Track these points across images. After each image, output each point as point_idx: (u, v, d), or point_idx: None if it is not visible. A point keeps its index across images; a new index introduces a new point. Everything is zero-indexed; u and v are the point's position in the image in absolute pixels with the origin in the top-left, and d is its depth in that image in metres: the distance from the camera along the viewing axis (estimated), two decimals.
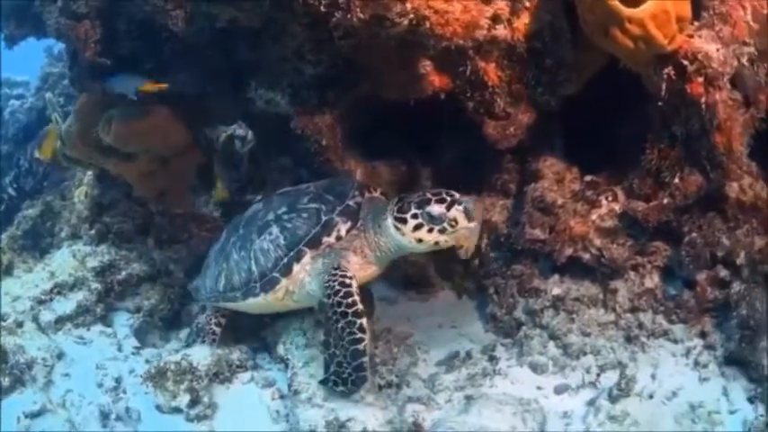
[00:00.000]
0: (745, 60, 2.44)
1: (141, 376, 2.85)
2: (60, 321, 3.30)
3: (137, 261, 3.63)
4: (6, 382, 2.87)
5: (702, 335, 2.78)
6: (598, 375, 2.73)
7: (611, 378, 2.65)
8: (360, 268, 2.69)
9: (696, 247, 2.73)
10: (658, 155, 2.71)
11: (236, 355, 2.99)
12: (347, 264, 2.65)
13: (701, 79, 2.39)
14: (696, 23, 2.46)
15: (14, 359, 2.92)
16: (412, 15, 2.32)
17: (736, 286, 2.68)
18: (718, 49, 2.38)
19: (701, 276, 2.77)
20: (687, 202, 2.73)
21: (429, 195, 2.53)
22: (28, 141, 5.41)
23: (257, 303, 2.84)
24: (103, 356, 3.17)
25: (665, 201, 2.74)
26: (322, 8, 2.33)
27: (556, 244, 2.90)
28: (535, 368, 2.83)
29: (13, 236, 4.22)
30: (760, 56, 2.48)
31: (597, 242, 2.88)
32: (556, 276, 2.99)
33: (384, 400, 2.67)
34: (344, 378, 2.51)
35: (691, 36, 2.42)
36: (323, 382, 2.58)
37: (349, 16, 2.31)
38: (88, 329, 3.33)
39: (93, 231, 3.81)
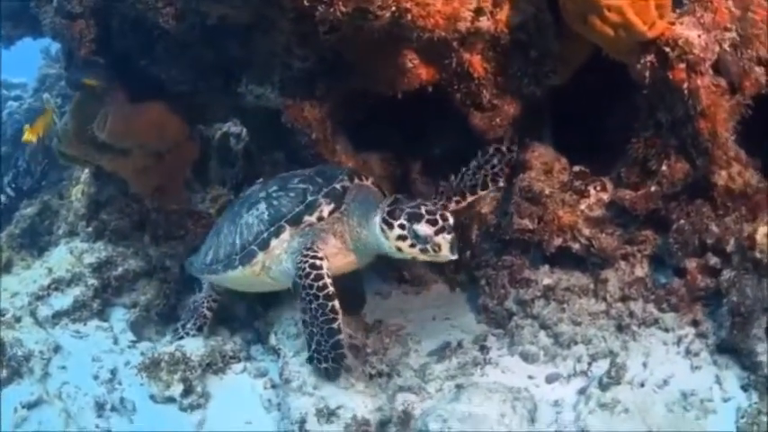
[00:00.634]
0: (727, 46, 2.44)
1: (135, 367, 2.90)
2: (57, 316, 3.38)
3: (133, 257, 3.70)
4: (4, 373, 2.94)
5: (694, 323, 2.76)
6: (589, 364, 2.73)
7: (602, 367, 2.65)
8: (338, 252, 2.72)
9: (684, 233, 2.72)
10: (645, 143, 2.71)
11: (229, 346, 3.05)
12: (323, 245, 2.67)
13: (682, 65, 2.40)
14: (678, 11, 2.48)
15: (12, 352, 3.00)
16: (394, 8, 2.36)
17: (727, 273, 2.66)
18: (699, 36, 2.38)
19: (692, 265, 2.75)
20: (675, 189, 2.72)
21: (423, 211, 2.50)
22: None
23: (236, 277, 2.87)
24: (100, 350, 3.24)
25: (653, 189, 2.74)
26: (306, 2, 2.37)
27: (544, 234, 2.90)
28: (526, 357, 2.84)
29: (12, 234, 4.28)
30: (743, 41, 2.47)
31: (586, 232, 2.88)
32: (546, 267, 3.00)
33: (374, 388, 2.69)
34: (325, 356, 2.59)
35: (672, 23, 2.43)
36: (308, 360, 2.65)
37: (332, 10, 2.35)
38: (85, 324, 3.40)
39: (90, 228, 3.88)
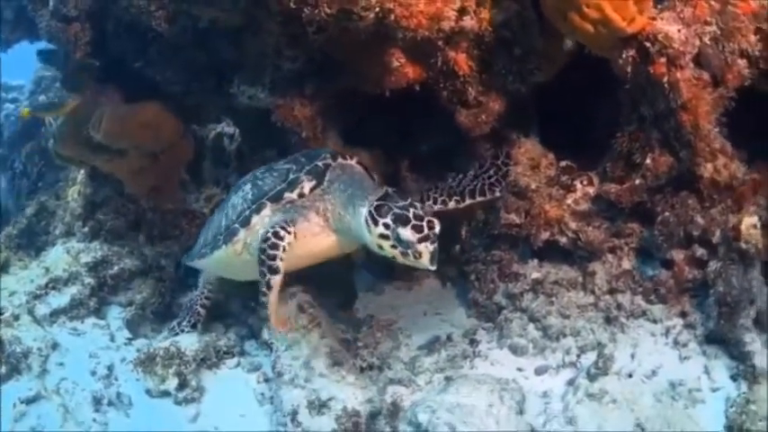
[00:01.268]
0: (707, 39, 2.47)
1: (131, 362, 2.94)
2: (55, 314, 3.41)
3: (129, 256, 3.73)
4: (4, 370, 2.98)
5: (682, 314, 2.77)
6: (578, 356, 2.75)
7: (591, 359, 2.66)
8: (321, 231, 2.68)
9: (669, 225, 2.74)
10: (629, 137, 2.74)
11: (223, 341, 3.09)
12: (306, 222, 2.66)
13: (663, 60, 2.43)
14: (660, 7, 2.51)
15: (11, 349, 3.03)
16: (377, 9, 2.40)
17: (713, 264, 2.66)
18: (679, 30, 2.42)
19: (679, 256, 2.77)
20: (659, 182, 2.75)
21: (411, 214, 2.41)
22: (23, 144, 5.53)
23: (221, 258, 2.87)
24: (96, 347, 3.28)
25: (637, 182, 2.75)
26: (292, 4, 2.42)
27: (532, 228, 2.93)
28: (515, 350, 2.86)
29: (9, 234, 4.32)
30: (725, 34, 2.48)
31: (573, 225, 2.91)
32: (534, 261, 3.03)
33: (365, 380, 2.73)
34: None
35: (653, 18, 2.47)
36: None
37: (317, 11, 2.40)
38: (82, 322, 3.44)
39: (86, 228, 3.92)
